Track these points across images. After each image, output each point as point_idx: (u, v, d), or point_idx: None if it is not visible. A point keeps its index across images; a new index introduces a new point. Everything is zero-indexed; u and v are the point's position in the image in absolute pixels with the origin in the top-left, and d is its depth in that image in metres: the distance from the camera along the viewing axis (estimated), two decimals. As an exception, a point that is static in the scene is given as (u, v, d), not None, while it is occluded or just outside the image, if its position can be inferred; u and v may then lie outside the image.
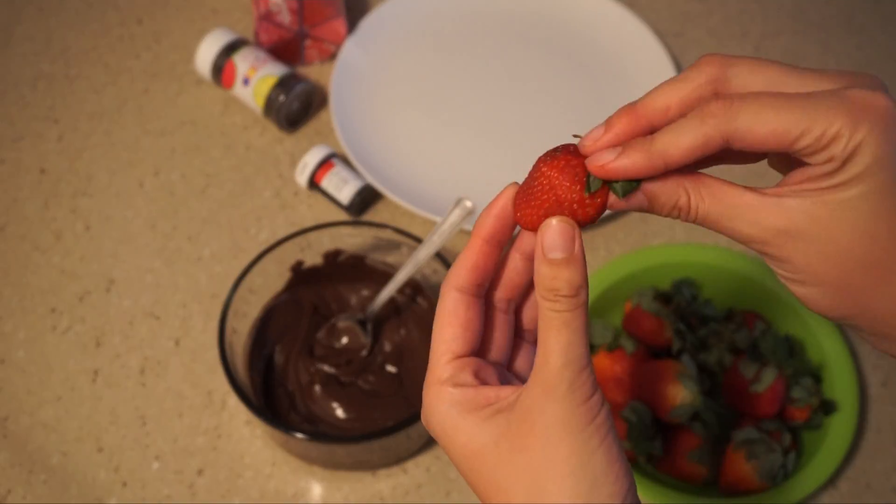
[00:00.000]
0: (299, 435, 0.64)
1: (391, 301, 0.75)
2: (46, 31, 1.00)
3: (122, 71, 0.96)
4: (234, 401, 0.75)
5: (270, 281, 0.75)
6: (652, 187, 0.38)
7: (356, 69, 0.94)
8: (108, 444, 0.73)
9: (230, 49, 0.90)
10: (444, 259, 0.72)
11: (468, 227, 0.80)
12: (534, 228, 0.40)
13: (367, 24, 0.97)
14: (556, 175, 0.39)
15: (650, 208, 0.39)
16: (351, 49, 0.95)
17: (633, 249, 0.84)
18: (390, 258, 0.76)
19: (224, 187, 0.88)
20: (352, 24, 0.96)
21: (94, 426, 0.74)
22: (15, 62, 0.97)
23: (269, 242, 0.81)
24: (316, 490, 0.71)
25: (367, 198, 0.86)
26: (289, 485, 0.72)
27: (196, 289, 0.81)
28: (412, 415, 0.65)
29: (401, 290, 0.76)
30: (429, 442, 0.73)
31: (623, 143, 0.39)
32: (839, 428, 0.70)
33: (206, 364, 0.77)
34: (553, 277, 0.37)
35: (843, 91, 0.38)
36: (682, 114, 0.38)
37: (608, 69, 0.96)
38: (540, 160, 0.41)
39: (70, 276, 0.82)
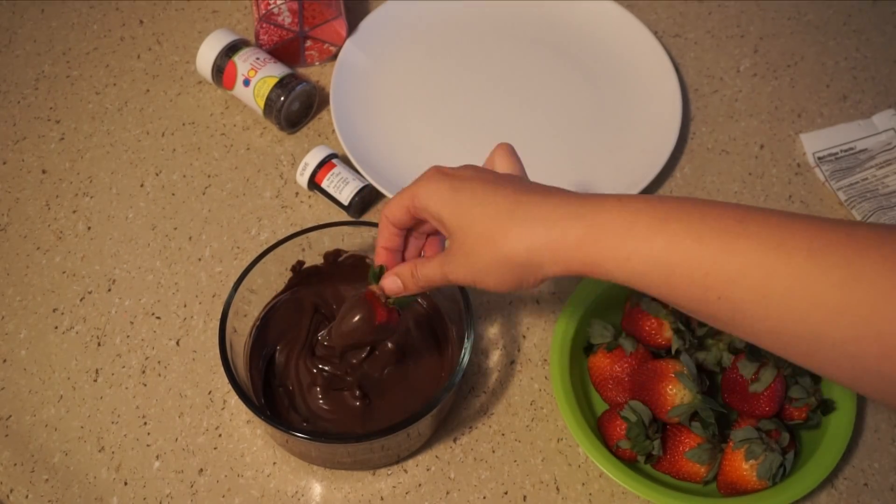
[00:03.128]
0: (299, 434, 0.65)
1: (391, 301, 0.76)
2: (48, 32, 1.00)
3: (123, 72, 0.97)
4: (234, 400, 0.76)
5: (271, 281, 0.75)
6: (397, 270, 0.63)
7: (356, 70, 0.94)
8: (110, 443, 0.74)
9: (231, 50, 0.90)
10: (443, 259, 0.72)
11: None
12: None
13: (368, 24, 0.97)
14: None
15: (404, 285, 0.63)
16: (351, 50, 0.95)
17: (633, 249, 0.84)
18: (390, 258, 0.76)
19: (225, 187, 0.88)
20: (352, 25, 0.96)
21: (95, 425, 0.74)
22: (17, 63, 0.98)
23: (269, 242, 0.82)
24: (316, 489, 0.72)
25: (367, 198, 0.86)
26: (289, 484, 0.72)
27: (197, 289, 0.82)
28: (412, 415, 0.65)
29: (401, 290, 0.76)
30: (429, 442, 0.73)
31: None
32: (837, 427, 0.70)
33: (207, 364, 0.78)
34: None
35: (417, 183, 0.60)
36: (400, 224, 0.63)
37: (608, 70, 0.96)
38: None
39: (71, 276, 0.82)
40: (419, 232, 0.64)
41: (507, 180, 0.58)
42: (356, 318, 0.64)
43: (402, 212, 0.60)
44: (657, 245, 0.50)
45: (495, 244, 0.54)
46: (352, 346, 0.67)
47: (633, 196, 0.53)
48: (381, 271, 0.64)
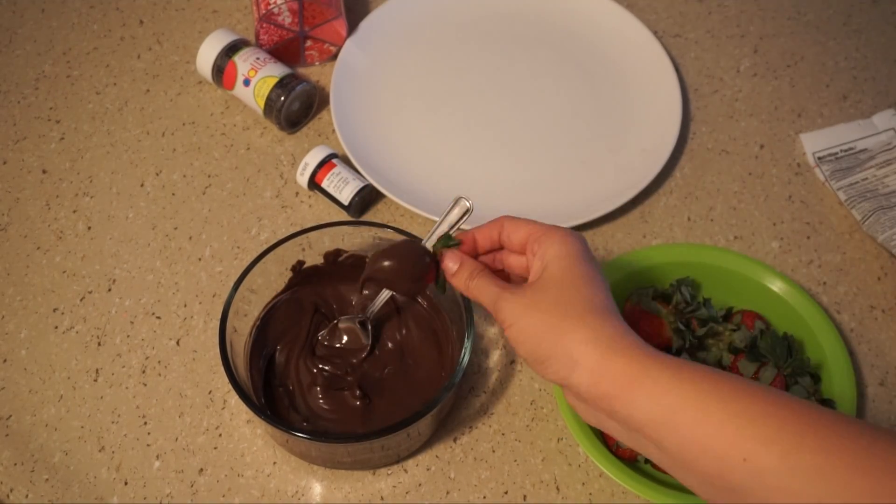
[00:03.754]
0: (299, 434, 0.65)
1: (391, 300, 0.76)
2: (48, 32, 1.00)
3: (123, 72, 0.97)
4: (234, 400, 0.76)
5: (271, 281, 0.75)
6: (461, 262, 0.65)
7: (356, 69, 0.94)
8: (110, 443, 0.74)
9: (231, 50, 0.90)
10: (443, 259, 0.72)
11: (467, 226, 0.81)
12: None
13: (368, 24, 0.97)
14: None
15: (452, 274, 0.65)
16: (351, 49, 0.95)
17: (633, 249, 0.84)
18: (390, 258, 0.76)
19: (225, 187, 0.88)
20: (352, 25, 0.96)
21: (95, 425, 0.75)
22: (17, 63, 0.98)
23: (269, 242, 0.82)
24: (316, 489, 0.72)
25: (367, 198, 0.86)
26: (289, 484, 0.72)
27: (197, 288, 0.82)
28: (412, 414, 0.65)
29: (401, 290, 0.76)
30: (429, 441, 0.74)
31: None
32: (837, 427, 0.70)
33: (207, 363, 0.78)
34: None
35: (548, 230, 0.63)
36: (491, 244, 0.67)
37: (607, 70, 0.96)
38: None
39: (72, 276, 0.82)
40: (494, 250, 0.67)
41: (604, 291, 0.60)
42: (411, 265, 0.65)
43: (519, 239, 0.63)
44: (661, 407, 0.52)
45: (556, 333, 0.57)
46: (383, 282, 0.67)
47: (670, 364, 0.54)
48: (451, 244, 0.66)
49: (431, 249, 0.66)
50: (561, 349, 0.56)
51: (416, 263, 0.65)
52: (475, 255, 0.66)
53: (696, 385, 0.51)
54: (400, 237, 0.74)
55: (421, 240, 0.67)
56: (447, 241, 0.66)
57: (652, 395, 0.52)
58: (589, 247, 0.63)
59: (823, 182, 0.89)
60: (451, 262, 0.65)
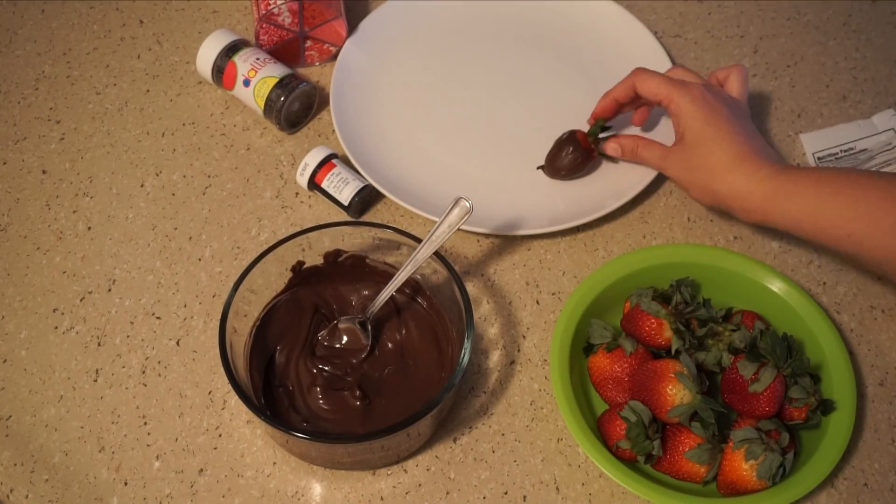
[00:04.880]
0: (299, 434, 0.65)
1: (391, 301, 0.76)
2: (48, 33, 1.00)
3: (123, 72, 0.97)
4: (234, 400, 0.76)
5: (271, 281, 0.75)
6: (622, 140, 0.83)
7: (356, 70, 0.94)
8: (110, 443, 0.74)
9: (231, 50, 0.90)
10: (443, 258, 0.72)
11: (466, 226, 0.81)
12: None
13: (368, 24, 0.97)
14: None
15: (622, 152, 0.84)
16: (351, 50, 0.95)
17: (633, 249, 0.84)
18: (390, 258, 0.77)
19: (225, 188, 0.88)
20: (352, 25, 0.96)
21: (95, 425, 0.75)
22: (17, 63, 0.98)
23: (269, 243, 0.82)
24: (316, 489, 0.72)
25: (367, 198, 0.86)
26: (289, 484, 0.72)
27: (197, 289, 0.82)
28: (412, 415, 0.65)
29: (401, 290, 0.76)
30: (429, 442, 0.74)
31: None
32: (837, 427, 0.70)
33: (207, 364, 0.78)
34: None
35: (686, 84, 0.79)
36: (625, 96, 0.84)
37: (607, 70, 0.96)
38: None
39: (72, 276, 0.82)
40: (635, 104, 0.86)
41: (741, 126, 0.76)
42: (573, 155, 0.85)
43: (651, 94, 0.79)
44: (808, 205, 0.72)
45: (712, 176, 0.76)
46: (566, 173, 0.86)
47: (804, 170, 0.73)
48: (599, 128, 0.85)
49: (589, 138, 0.86)
50: (719, 195, 0.76)
51: (577, 153, 0.85)
52: (618, 110, 0.85)
53: (818, 188, 0.71)
54: (399, 237, 0.74)
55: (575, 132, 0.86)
56: (593, 130, 0.85)
57: (788, 208, 0.72)
58: (716, 91, 0.78)
59: (823, 182, 0.89)
60: (612, 152, 0.84)
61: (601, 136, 0.87)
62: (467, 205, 0.71)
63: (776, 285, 0.77)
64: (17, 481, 0.72)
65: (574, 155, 0.85)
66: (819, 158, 0.90)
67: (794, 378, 0.70)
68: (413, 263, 0.72)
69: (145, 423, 0.75)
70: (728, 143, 0.74)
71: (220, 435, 0.74)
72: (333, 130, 0.92)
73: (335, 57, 0.96)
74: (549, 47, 0.98)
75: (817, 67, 0.98)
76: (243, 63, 0.90)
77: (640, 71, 0.80)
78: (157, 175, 0.89)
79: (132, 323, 0.80)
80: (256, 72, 0.89)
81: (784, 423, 0.71)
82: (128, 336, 0.79)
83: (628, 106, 0.86)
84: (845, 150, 0.90)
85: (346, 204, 0.84)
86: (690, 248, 0.80)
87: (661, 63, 0.94)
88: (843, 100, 0.96)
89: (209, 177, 0.89)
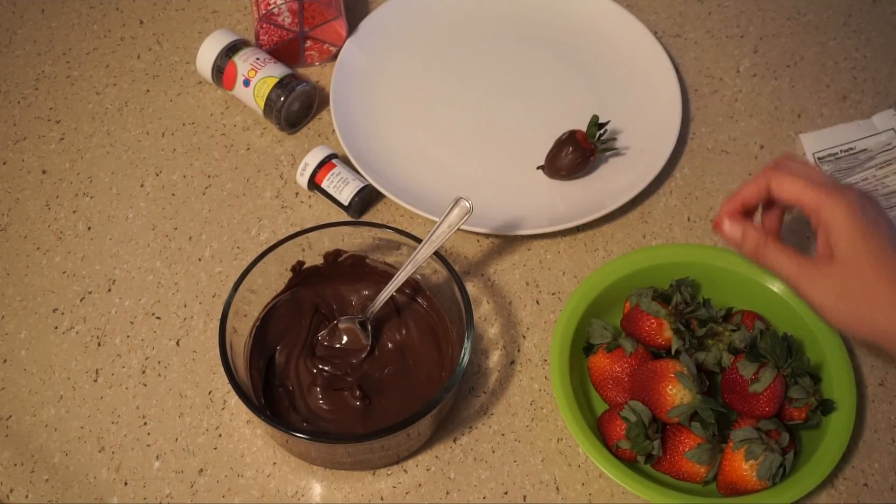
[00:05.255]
0: (299, 434, 0.65)
1: (391, 301, 0.76)
2: (48, 33, 1.00)
3: (123, 72, 0.97)
4: (234, 400, 0.76)
5: (271, 281, 0.75)
6: (748, 227, 0.67)
7: (356, 70, 0.94)
8: (110, 443, 0.74)
9: (231, 50, 0.90)
10: (443, 258, 0.72)
11: (466, 226, 0.81)
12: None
13: (368, 24, 0.97)
14: None
15: (741, 242, 0.67)
16: (351, 50, 0.95)
17: (633, 249, 0.84)
18: (390, 258, 0.77)
19: (225, 188, 0.88)
20: (352, 25, 0.96)
21: (95, 426, 0.75)
22: (17, 63, 0.98)
23: (269, 243, 0.82)
24: (316, 489, 0.72)
25: (367, 198, 0.86)
26: (289, 484, 0.72)
27: (197, 289, 0.82)
28: (412, 415, 0.65)
29: (401, 290, 0.76)
30: (429, 442, 0.74)
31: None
32: (837, 427, 0.70)
33: (207, 364, 0.78)
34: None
35: (836, 187, 0.62)
36: (756, 199, 0.67)
37: (607, 70, 0.96)
38: None
39: (71, 277, 0.82)
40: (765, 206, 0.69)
41: None
42: (573, 155, 0.84)
43: (794, 199, 0.63)
44: None
45: (874, 306, 0.61)
46: (566, 173, 0.86)
47: None
48: (597, 126, 0.84)
49: (589, 138, 0.84)
50: (879, 329, 0.61)
51: (577, 153, 0.84)
52: (745, 212, 0.68)
53: None
54: (399, 237, 0.74)
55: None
56: (597, 127, 0.85)
57: None
58: (873, 200, 0.62)
59: (823, 182, 0.89)
60: (732, 234, 0.67)
61: (598, 138, 0.87)
62: (467, 205, 0.71)
63: (776, 285, 0.77)
64: (17, 481, 0.72)
65: (574, 155, 0.85)
66: (819, 158, 0.90)
67: (794, 378, 0.70)
68: (413, 263, 0.72)
69: (145, 423, 0.75)
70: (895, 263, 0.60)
71: (220, 435, 0.74)
72: (333, 130, 0.92)
73: (335, 57, 0.96)
74: (548, 47, 0.98)
75: (817, 67, 0.98)
76: (243, 63, 0.90)
77: (776, 171, 0.65)
78: (157, 175, 0.89)
79: (132, 323, 0.80)
80: (256, 72, 0.89)
81: (784, 423, 0.71)
82: (128, 336, 0.79)
83: (755, 209, 0.69)
84: (845, 150, 0.90)
85: (346, 204, 0.84)
86: (690, 248, 0.80)
87: (662, 63, 0.94)
88: (843, 100, 0.96)
89: (209, 177, 0.89)
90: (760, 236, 0.65)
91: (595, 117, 0.85)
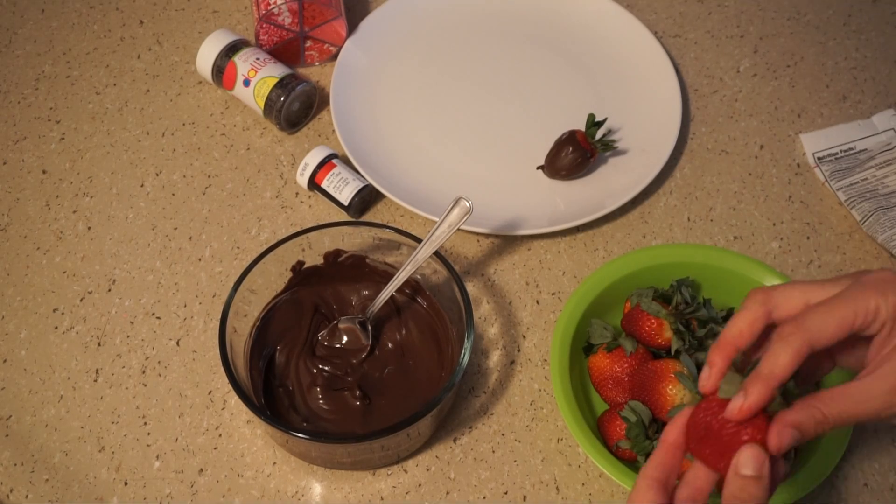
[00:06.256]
0: (299, 434, 0.65)
1: (391, 301, 0.76)
2: (48, 33, 1.00)
3: (123, 72, 0.97)
4: (234, 400, 0.76)
5: (271, 281, 0.75)
6: (795, 419, 0.50)
7: (356, 70, 0.94)
8: (110, 443, 0.74)
9: (231, 50, 0.90)
10: (443, 258, 0.72)
11: (466, 226, 0.81)
12: (715, 467, 0.51)
13: (368, 24, 0.97)
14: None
15: (803, 437, 0.50)
16: (351, 50, 0.95)
17: (633, 250, 0.84)
18: (390, 258, 0.77)
19: (225, 188, 0.88)
20: (352, 25, 0.96)
21: (95, 425, 0.75)
22: (17, 63, 0.98)
23: (269, 243, 0.82)
24: (316, 489, 0.72)
25: (367, 198, 0.86)
26: (289, 484, 0.72)
27: (197, 289, 0.82)
28: (412, 415, 0.65)
29: (401, 290, 0.76)
30: (429, 441, 0.73)
31: (743, 389, 0.50)
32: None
33: (207, 364, 0.78)
34: (741, 488, 0.49)
35: (858, 278, 0.52)
36: (753, 334, 0.52)
37: (607, 70, 0.96)
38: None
39: (72, 276, 0.82)
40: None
41: None
42: (573, 155, 0.84)
43: (830, 336, 0.50)
44: None
45: None
46: (565, 173, 0.85)
47: None
48: (596, 125, 0.84)
49: (589, 138, 0.85)
50: None
51: (577, 153, 0.84)
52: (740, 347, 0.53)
53: None
54: (399, 237, 0.74)
55: None
56: (596, 126, 0.84)
57: None
58: None
59: (823, 182, 0.89)
60: (783, 442, 0.50)
61: (598, 139, 0.87)
62: (467, 205, 0.71)
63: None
64: (17, 481, 0.72)
65: (574, 155, 0.85)
66: (819, 158, 0.90)
67: (794, 378, 0.70)
68: (413, 263, 0.72)
69: (145, 423, 0.75)
70: None
71: (220, 435, 0.74)
72: (333, 130, 0.92)
73: (335, 57, 0.96)
74: (548, 47, 0.98)
75: (817, 67, 0.98)
76: (243, 63, 0.90)
77: (766, 295, 0.53)
78: (157, 175, 0.89)
79: (132, 323, 0.80)
80: (256, 72, 0.89)
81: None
82: (128, 336, 0.79)
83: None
84: (845, 150, 0.90)
85: (346, 204, 0.84)
86: (690, 248, 0.80)
87: (662, 63, 0.94)
88: (843, 100, 0.96)
89: (209, 177, 0.89)
90: (808, 407, 0.50)
91: (591, 116, 0.85)
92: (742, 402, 0.49)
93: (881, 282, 0.51)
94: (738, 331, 0.52)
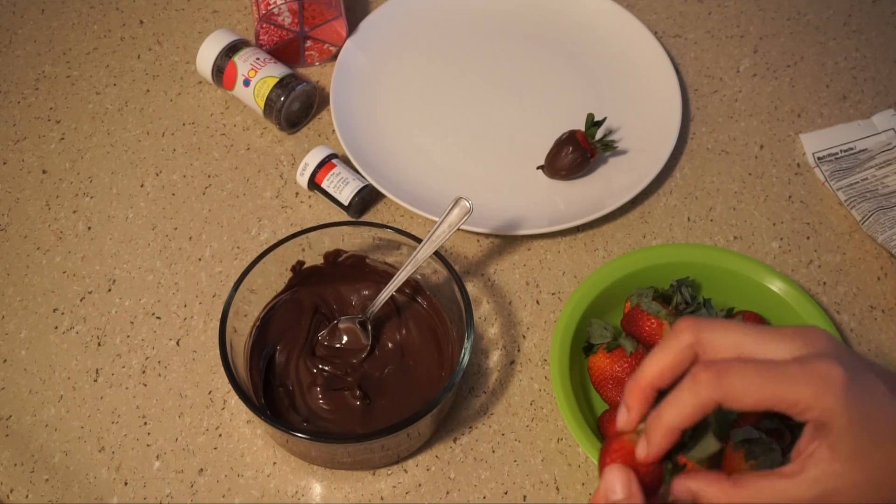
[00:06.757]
0: (299, 434, 0.65)
1: (391, 301, 0.76)
2: (48, 33, 1.00)
3: (123, 72, 0.97)
4: (234, 400, 0.76)
5: (271, 281, 0.75)
6: (695, 486, 0.48)
7: (356, 70, 0.94)
8: (110, 443, 0.74)
9: (231, 50, 0.90)
10: (443, 258, 0.72)
11: (466, 226, 0.81)
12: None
13: (368, 24, 0.97)
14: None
15: (698, 502, 0.48)
16: (351, 50, 0.95)
17: (633, 249, 0.84)
18: (390, 258, 0.77)
19: (225, 188, 0.88)
20: (352, 25, 0.96)
21: (95, 425, 0.75)
22: (17, 63, 0.98)
23: (269, 242, 0.82)
24: (316, 489, 0.72)
25: (367, 198, 0.86)
26: (289, 484, 0.72)
27: (197, 289, 0.82)
28: (412, 415, 0.65)
29: (401, 290, 0.76)
30: (429, 442, 0.73)
31: (645, 435, 0.48)
32: (837, 427, 0.70)
33: (207, 364, 0.78)
34: None
35: (805, 362, 0.46)
36: (674, 374, 0.48)
37: (607, 70, 0.96)
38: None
39: (72, 276, 0.82)
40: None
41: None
42: (573, 155, 0.84)
43: (728, 350, 0.47)
44: None
45: None
46: (565, 173, 0.85)
47: None
48: (594, 124, 0.84)
49: (589, 138, 0.85)
50: None
51: (577, 155, 0.85)
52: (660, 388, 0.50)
53: None
54: (399, 237, 0.74)
55: None
56: (595, 126, 0.84)
57: None
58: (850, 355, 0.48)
59: (823, 182, 0.89)
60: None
61: (598, 139, 0.87)
62: (467, 205, 0.71)
63: (776, 285, 0.77)
64: (17, 481, 0.72)
65: (574, 155, 0.85)
66: (819, 158, 0.90)
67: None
68: (413, 263, 0.72)
69: (145, 423, 0.75)
70: None
71: (220, 435, 0.74)
72: (333, 130, 0.92)
73: (335, 57, 0.96)
74: (548, 47, 0.98)
75: (817, 67, 0.98)
76: (243, 63, 0.90)
77: (696, 329, 0.48)
78: (157, 175, 0.89)
79: (132, 323, 0.80)
80: (256, 72, 0.89)
81: (785, 422, 0.71)
82: (128, 336, 0.79)
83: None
84: (845, 150, 0.90)
85: (346, 204, 0.84)
86: (690, 248, 0.80)
87: (662, 63, 0.94)
88: (843, 100, 0.96)
89: (209, 177, 0.89)
90: (717, 484, 0.48)
91: (591, 116, 0.85)
92: (645, 452, 0.48)
93: (825, 380, 0.45)
94: (659, 371, 0.49)
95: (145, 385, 0.77)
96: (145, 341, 0.79)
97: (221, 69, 0.91)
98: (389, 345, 0.75)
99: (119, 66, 0.97)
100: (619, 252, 0.84)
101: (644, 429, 0.48)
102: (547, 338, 0.79)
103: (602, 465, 0.49)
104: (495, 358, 0.78)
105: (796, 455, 0.48)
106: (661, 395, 0.49)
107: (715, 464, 0.51)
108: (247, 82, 0.89)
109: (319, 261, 0.77)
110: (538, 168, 0.88)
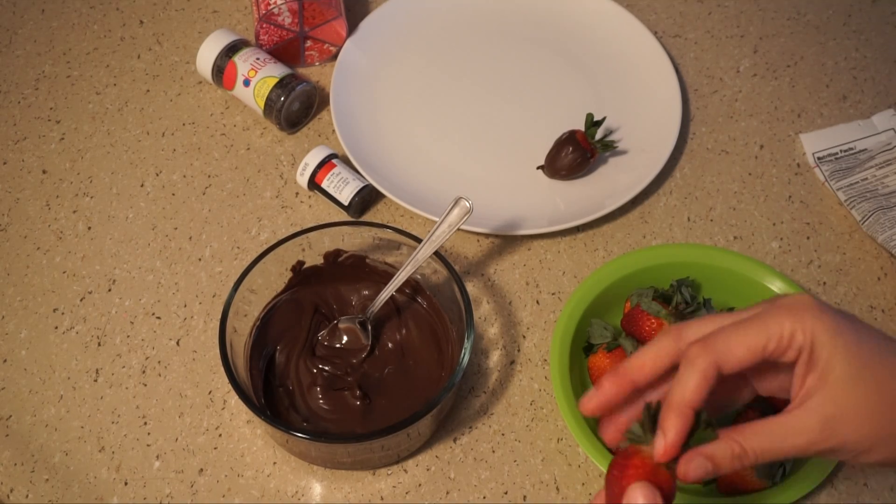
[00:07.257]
0: (299, 434, 0.65)
1: (391, 301, 0.76)
2: (48, 33, 1.00)
3: (123, 72, 0.97)
4: (234, 400, 0.76)
5: (271, 281, 0.75)
6: (708, 450, 0.48)
7: (356, 70, 0.94)
8: (110, 443, 0.74)
9: (231, 50, 0.90)
10: (443, 258, 0.72)
11: (466, 226, 0.81)
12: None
13: (368, 24, 0.97)
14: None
15: (717, 470, 0.48)
16: (351, 50, 0.95)
17: (633, 249, 0.84)
18: (390, 258, 0.77)
19: (225, 188, 0.88)
20: (352, 25, 0.96)
21: (95, 425, 0.75)
22: (17, 63, 0.98)
23: (269, 242, 0.82)
24: (316, 489, 0.72)
25: (367, 198, 0.86)
26: (289, 484, 0.72)
27: (197, 289, 0.82)
28: (412, 415, 0.65)
29: (401, 290, 0.76)
30: (429, 442, 0.74)
31: (660, 428, 0.48)
32: (837, 427, 0.70)
33: (207, 364, 0.78)
34: None
35: (773, 302, 0.49)
36: (655, 369, 0.50)
37: (607, 70, 0.96)
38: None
39: (72, 276, 0.82)
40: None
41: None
42: (573, 155, 0.84)
43: (743, 360, 0.48)
44: None
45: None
46: (565, 173, 0.85)
47: None
48: (594, 124, 0.84)
49: (589, 138, 0.85)
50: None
51: (577, 154, 0.84)
52: (647, 383, 0.51)
53: None
54: (399, 237, 0.74)
55: None
56: (594, 125, 0.84)
57: None
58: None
59: (823, 182, 0.89)
60: (698, 472, 0.48)
61: (598, 139, 0.86)
62: (467, 205, 0.71)
63: (776, 285, 0.77)
64: (17, 481, 0.72)
65: (574, 155, 0.85)
66: (819, 158, 0.90)
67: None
68: (413, 263, 0.72)
69: (145, 423, 0.75)
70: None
71: (220, 435, 0.74)
72: (333, 130, 0.92)
73: (335, 57, 0.96)
74: (548, 47, 0.98)
75: (817, 67, 0.98)
76: (243, 63, 0.90)
77: (678, 327, 0.51)
78: (157, 175, 0.89)
79: (132, 323, 0.80)
80: (256, 72, 0.89)
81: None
82: (128, 336, 0.79)
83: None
84: (845, 150, 0.90)
85: (346, 204, 0.84)
86: (690, 248, 0.80)
87: (662, 63, 0.94)
88: (843, 100, 0.96)
89: (209, 177, 0.89)
90: (728, 440, 0.48)
91: (590, 116, 0.85)
92: (664, 441, 0.47)
93: (798, 306, 0.48)
94: (640, 363, 0.50)
95: (145, 385, 0.77)
96: (145, 341, 0.79)
97: (221, 69, 0.91)
98: (389, 345, 0.75)
99: (119, 66, 0.97)
100: (619, 252, 0.84)
101: (658, 424, 0.48)
102: (547, 338, 0.79)
103: (620, 481, 0.48)
104: (495, 358, 0.78)
105: (794, 397, 0.50)
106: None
107: None
108: (247, 82, 0.89)
109: (319, 261, 0.77)
110: (538, 168, 0.88)
